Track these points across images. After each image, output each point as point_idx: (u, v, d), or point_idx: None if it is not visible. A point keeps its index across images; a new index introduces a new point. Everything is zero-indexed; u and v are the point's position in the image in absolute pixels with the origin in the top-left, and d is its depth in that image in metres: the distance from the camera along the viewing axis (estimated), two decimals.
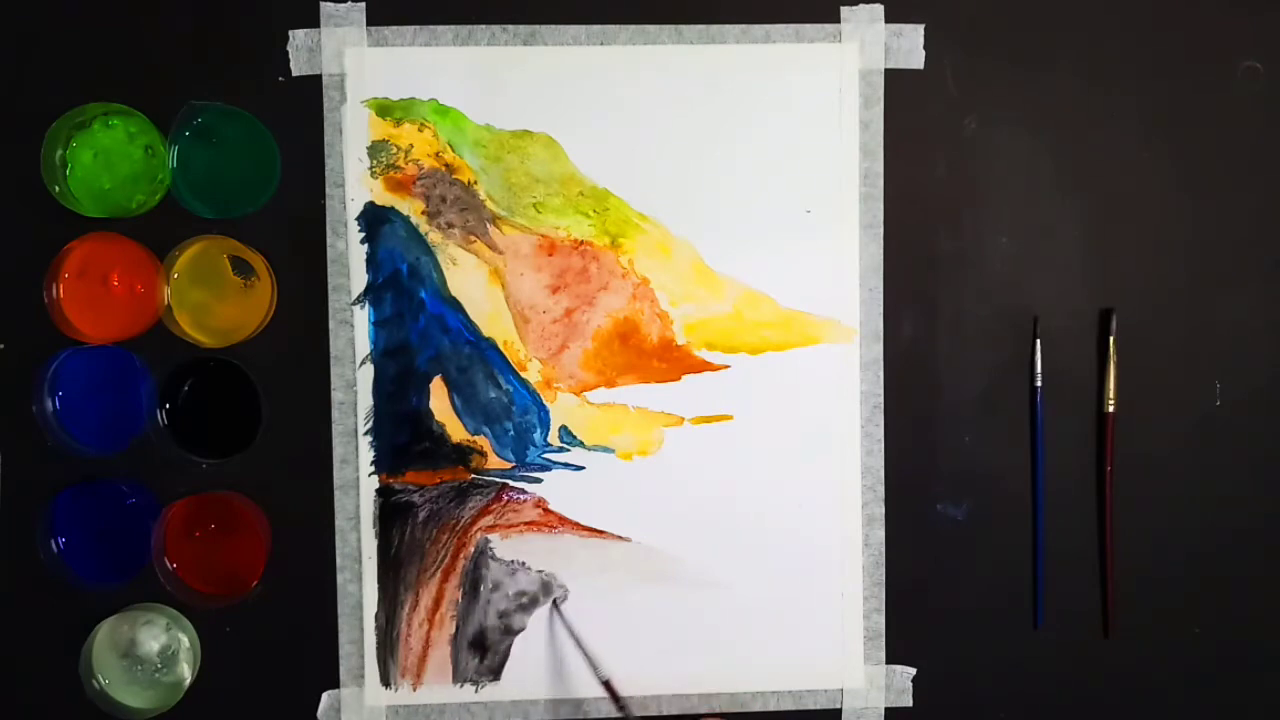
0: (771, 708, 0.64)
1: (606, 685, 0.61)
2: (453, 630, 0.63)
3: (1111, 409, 0.64)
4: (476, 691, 0.63)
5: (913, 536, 0.64)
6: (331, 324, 0.62)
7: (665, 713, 0.64)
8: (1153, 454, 0.65)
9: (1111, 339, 0.64)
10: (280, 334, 0.62)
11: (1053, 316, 0.64)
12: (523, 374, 0.63)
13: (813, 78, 0.63)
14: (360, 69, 0.62)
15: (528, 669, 0.63)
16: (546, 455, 0.63)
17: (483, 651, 0.63)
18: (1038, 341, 0.64)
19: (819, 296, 0.63)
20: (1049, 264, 0.64)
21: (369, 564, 0.63)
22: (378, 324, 0.63)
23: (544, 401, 0.63)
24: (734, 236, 0.63)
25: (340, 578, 0.63)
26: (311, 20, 0.62)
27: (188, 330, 0.61)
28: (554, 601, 0.63)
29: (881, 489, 0.64)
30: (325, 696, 0.63)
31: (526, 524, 0.63)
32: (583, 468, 0.63)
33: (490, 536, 0.63)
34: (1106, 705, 0.65)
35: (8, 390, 0.61)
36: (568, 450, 0.63)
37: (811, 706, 0.64)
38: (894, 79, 0.63)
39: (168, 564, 0.62)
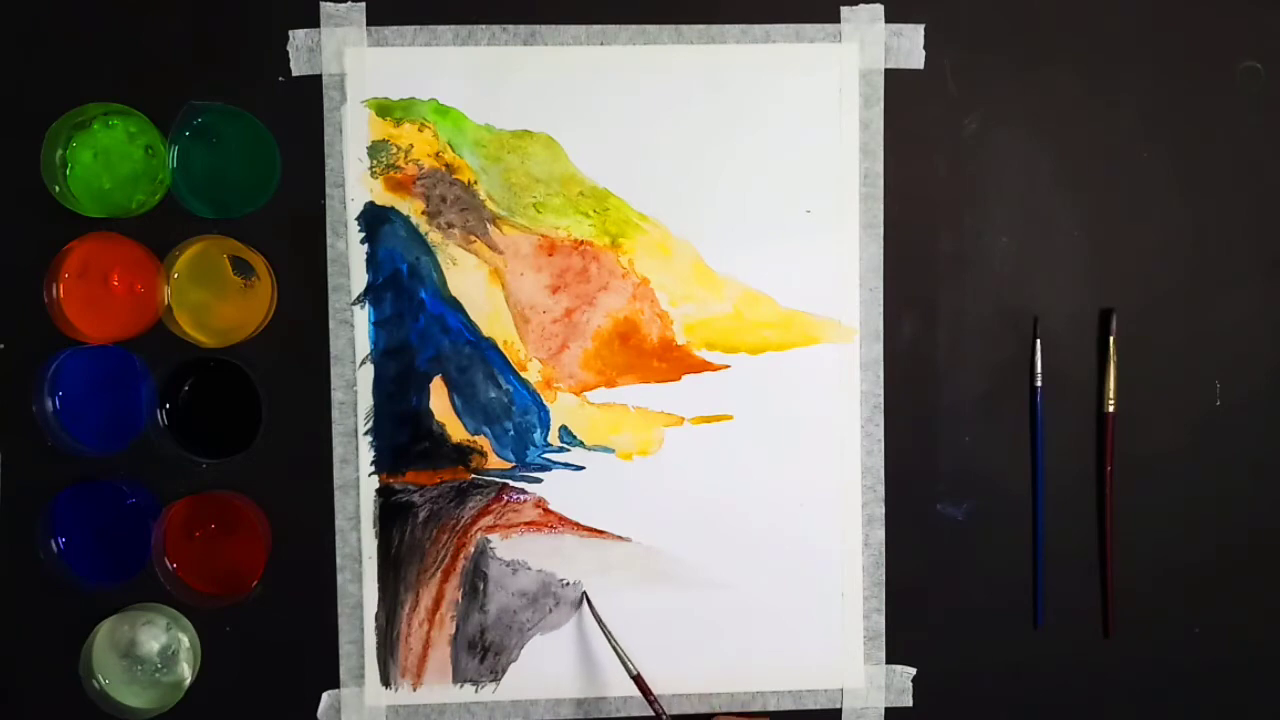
0: (771, 707, 0.64)
1: (637, 680, 0.61)
2: (453, 630, 0.63)
3: (1111, 409, 0.64)
4: (476, 691, 0.63)
5: (913, 536, 0.64)
6: (331, 324, 0.62)
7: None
8: (1153, 454, 0.65)
9: (1111, 339, 0.64)
10: (280, 334, 0.62)
11: (1053, 316, 0.64)
12: (523, 374, 0.63)
13: (813, 78, 0.63)
14: (360, 69, 0.62)
15: (528, 669, 0.64)
16: (546, 455, 0.63)
17: (483, 651, 0.63)
18: (1038, 341, 0.64)
19: (819, 296, 0.63)
20: (1049, 264, 0.64)
21: (369, 564, 0.63)
22: (378, 324, 0.62)
23: (544, 401, 0.63)
24: (734, 236, 0.63)
25: (340, 578, 0.63)
26: (311, 20, 0.62)
27: (188, 330, 0.61)
28: (584, 594, 0.63)
29: (881, 489, 0.64)
30: (325, 696, 0.63)
31: (526, 524, 0.63)
32: (583, 468, 0.63)
33: (490, 536, 0.63)
34: (1106, 705, 0.65)
35: (8, 390, 0.61)
36: (568, 450, 0.63)
37: (811, 706, 0.64)
38: (894, 79, 0.63)
39: (168, 564, 0.62)
